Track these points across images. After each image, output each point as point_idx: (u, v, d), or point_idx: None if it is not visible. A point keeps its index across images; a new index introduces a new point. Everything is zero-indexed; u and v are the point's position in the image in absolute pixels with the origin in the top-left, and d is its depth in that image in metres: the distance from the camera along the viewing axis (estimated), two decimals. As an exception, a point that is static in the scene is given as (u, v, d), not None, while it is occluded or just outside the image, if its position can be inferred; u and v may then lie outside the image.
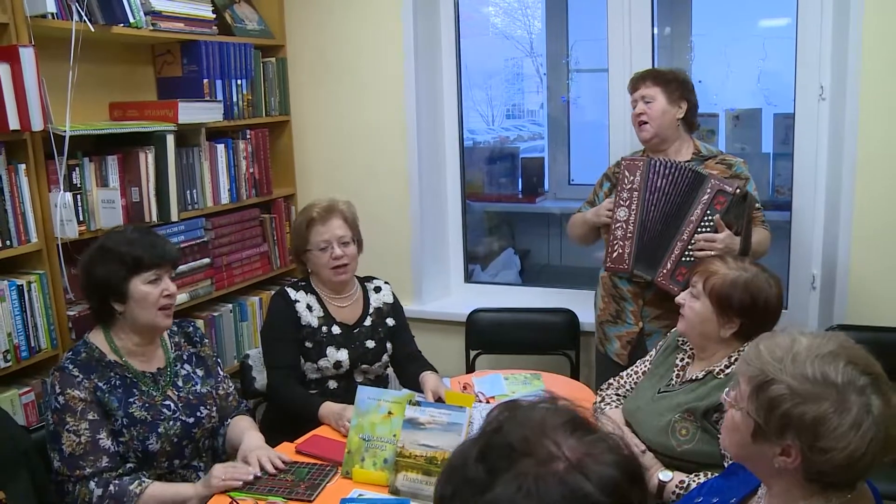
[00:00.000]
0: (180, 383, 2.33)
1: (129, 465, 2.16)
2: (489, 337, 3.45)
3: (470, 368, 3.42)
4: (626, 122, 3.31)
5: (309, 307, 2.75)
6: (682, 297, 2.22)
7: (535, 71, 5.48)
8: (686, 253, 2.66)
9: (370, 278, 2.97)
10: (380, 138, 3.67)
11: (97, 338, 2.24)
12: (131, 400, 2.19)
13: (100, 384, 2.15)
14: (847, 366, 1.30)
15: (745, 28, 4.28)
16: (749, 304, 2.08)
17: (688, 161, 2.83)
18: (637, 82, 2.89)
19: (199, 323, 3.18)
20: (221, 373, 2.50)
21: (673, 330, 2.40)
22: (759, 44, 4.21)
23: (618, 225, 2.76)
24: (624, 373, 2.52)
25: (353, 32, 3.62)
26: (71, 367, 2.14)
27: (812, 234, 3.17)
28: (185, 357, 2.40)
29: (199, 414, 2.31)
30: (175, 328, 2.43)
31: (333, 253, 2.72)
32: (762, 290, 2.09)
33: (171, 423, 2.23)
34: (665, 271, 2.69)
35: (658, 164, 2.73)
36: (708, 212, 2.64)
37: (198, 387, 2.37)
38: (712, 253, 2.56)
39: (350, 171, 3.74)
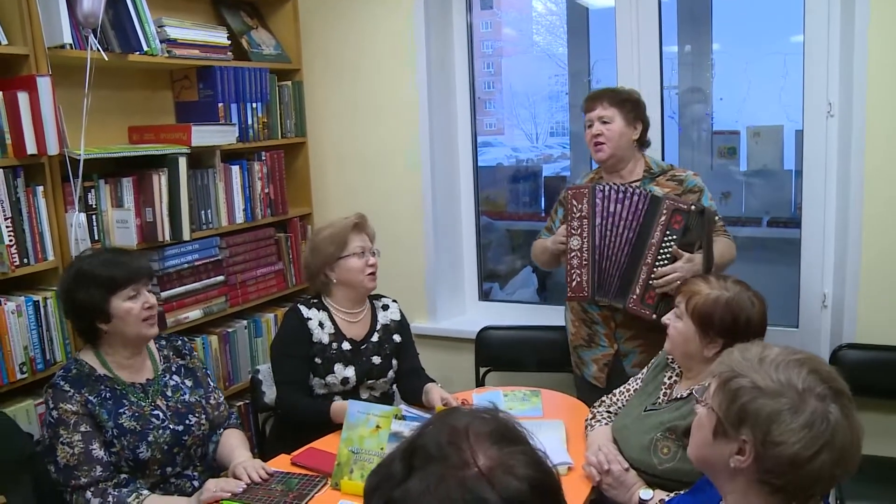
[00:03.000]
0: (169, 393, 2.42)
1: (123, 476, 2.24)
2: (498, 354, 3.48)
3: (480, 384, 3.45)
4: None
5: (321, 324, 2.82)
6: (667, 318, 2.24)
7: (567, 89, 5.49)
8: (652, 276, 2.65)
9: (378, 296, 3.02)
10: (395, 158, 3.75)
11: (87, 355, 2.34)
12: (121, 410, 2.28)
13: (90, 398, 2.24)
14: (811, 374, 1.34)
15: (767, 45, 4.25)
16: (730, 323, 2.09)
17: (639, 179, 2.86)
18: (593, 102, 2.89)
19: (213, 339, 3.29)
20: (212, 384, 2.58)
21: (665, 348, 2.41)
22: (780, 60, 4.18)
23: (573, 254, 2.77)
24: (617, 390, 2.53)
25: (368, 55, 3.72)
26: (62, 383, 2.24)
27: (823, 251, 3.14)
28: (173, 368, 2.49)
29: (187, 422, 2.39)
30: (164, 342, 2.54)
31: (369, 260, 2.82)
32: (743, 308, 2.10)
33: (160, 431, 2.31)
34: (635, 297, 2.69)
35: (607, 188, 2.73)
36: (668, 232, 2.63)
37: (186, 396, 2.45)
38: (677, 283, 2.56)
39: (366, 190, 3.83)
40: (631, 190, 2.71)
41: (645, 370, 2.48)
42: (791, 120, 4.00)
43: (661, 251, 2.64)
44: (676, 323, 2.19)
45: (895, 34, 2.79)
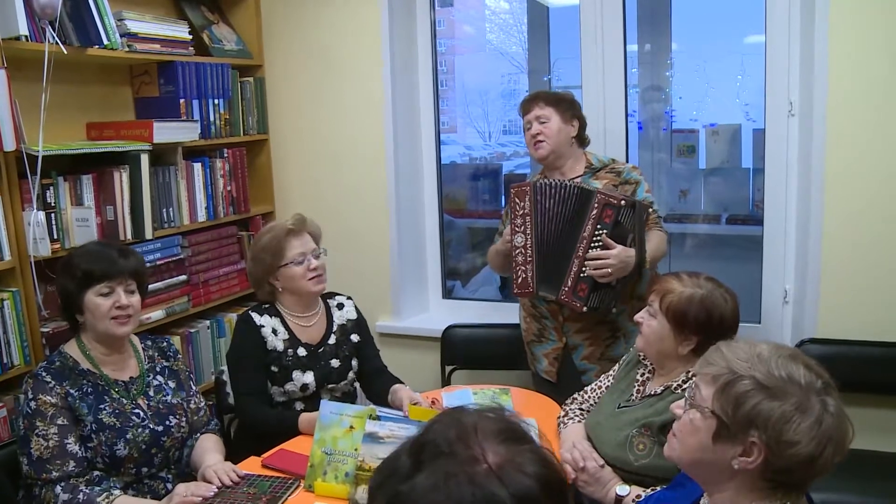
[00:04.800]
0: (151, 393, 2.39)
1: (96, 473, 2.20)
2: (464, 352, 3.48)
3: (445, 383, 3.45)
4: (598, 136, 3.36)
5: (274, 331, 2.74)
6: (640, 316, 2.24)
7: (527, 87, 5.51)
8: (583, 269, 2.68)
9: (332, 294, 2.95)
10: (358, 156, 3.71)
11: (71, 348, 2.32)
12: (102, 406, 2.25)
13: (71, 391, 2.22)
14: (805, 368, 1.36)
15: (725, 45, 4.31)
16: (705, 321, 2.11)
17: (580, 175, 2.91)
18: (529, 104, 2.95)
19: (176, 339, 3.22)
20: (194, 388, 2.55)
21: (636, 345, 2.42)
22: (738, 60, 4.24)
23: (517, 251, 2.81)
24: (588, 387, 2.54)
25: (332, 52, 3.67)
26: (44, 374, 2.22)
27: (784, 248, 3.20)
28: (157, 369, 2.46)
29: (168, 423, 2.36)
30: (150, 342, 2.51)
31: (310, 264, 2.73)
32: (717, 305, 2.12)
33: (139, 430, 2.28)
34: (566, 289, 2.72)
35: (545, 185, 2.77)
36: (598, 226, 2.66)
37: (168, 397, 2.42)
38: (608, 270, 2.62)
39: (329, 188, 3.79)
40: (567, 184, 2.76)
41: (616, 367, 2.49)
42: (749, 119, 4.07)
43: (593, 244, 2.67)
44: (650, 321, 2.19)
45: (855, 33, 2.84)
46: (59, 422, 2.17)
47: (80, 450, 2.19)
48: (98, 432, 2.22)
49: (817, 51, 2.90)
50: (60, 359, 2.28)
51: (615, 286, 2.72)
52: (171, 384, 2.47)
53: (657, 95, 4.37)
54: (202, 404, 2.55)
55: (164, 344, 2.56)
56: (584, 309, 2.69)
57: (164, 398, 2.41)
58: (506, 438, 1.02)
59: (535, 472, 0.99)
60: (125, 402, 2.31)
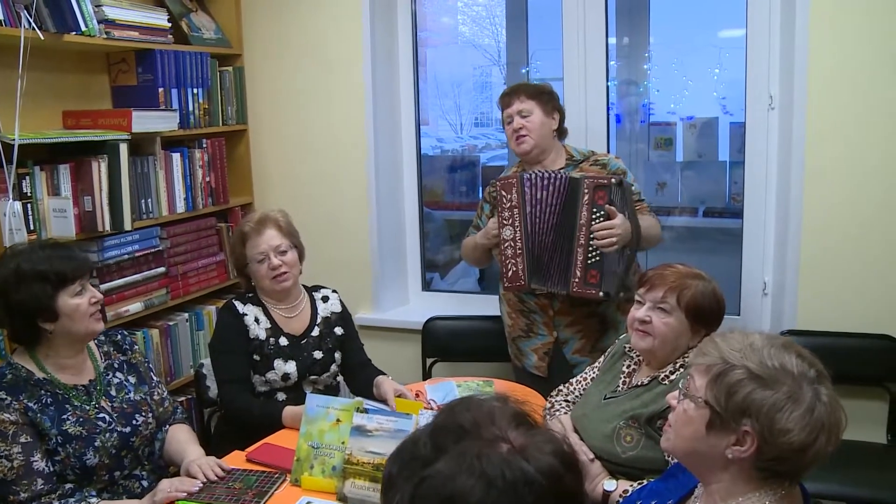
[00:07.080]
0: (113, 393, 2.29)
1: (68, 486, 2.12)
2: (445, 345, 3.47)
3: (427, 376, 3.44)
4: (580, 129, 3.36)
5: (256, 320, 2.74)
6: (645, 314, 2.15)
7: (503, 79, 5.50)
8: (589, 255, 2.69)
9: (318, 287, 2.95)
10: (338, 147, 3.68)
11: (22, 358, 2.18)
12: (64, 417, 2.14)
13: (30, 404, 2.10)
14: (798, 358, 1.37)
15: (703, 38, 4.34)
16: (717, 312, 2.14)
17: (562, 168, 2.90)
18: (509, 98, 2.93)
19: (154, 332, 3.18)
20: (155, 378, 2.47)
21: (621, 336, 2.42)
22: (716, 54, 4.27)
23: (506, 244, 2.80)
24: (573, 379, 2.53)
25: (312, 42, 3.63)
26: None
27: (763, 240, 3.23)
28: (115, 365, 2.36)
29: (135, 422, 2.28)
30: (103, 337, 2.40)
31: (271, 263, 2.70)
32: (720, 295, 2.15)
33: (107, 435, 2.19)
34: (577, 280, 2.72)
35: (534, 176, 2.77)
36: (594, 209, 2.67)
37: (131, 394, 2.33)
38: (615, 240, 2.63)
39: (308, 179, 3.75)
40: (555, 175, 2.76)
41: (602, 358, 2.48)
42: (727, 112, 4.10)
43: (592, 226, 2.68)
44: (665, 319, 2.12)
45: (836, 27, 2.87)
46: (22, 440, 2.04)
47: (46, 466, 2.07)
48: (64, 444, 2.11)
49: (797, 45, 2.92)
50: (12, 371, 2.13)
51: (617, 270, 2.70)
52: (132, 379, 2.38)
53: (635, 88, 4.39)
54: (165, 394, 2.47)
55: (119, 337, 2.45)
56: (601, 295, 2.68)
57: (126, 396, 2.32)
58: (520, 423, 1.06)
59: (553, 449, 1.03)
60: (87, 408, 2.20)
